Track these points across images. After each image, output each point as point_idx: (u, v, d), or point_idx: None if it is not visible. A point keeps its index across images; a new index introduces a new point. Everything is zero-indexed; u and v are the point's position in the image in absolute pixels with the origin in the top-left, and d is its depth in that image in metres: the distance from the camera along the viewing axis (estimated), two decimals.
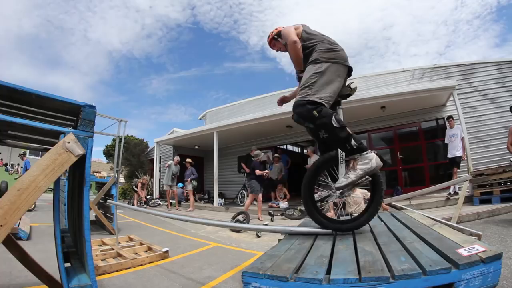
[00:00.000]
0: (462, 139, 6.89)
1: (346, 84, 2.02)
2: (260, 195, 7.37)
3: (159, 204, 11.37)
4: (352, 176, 1.66)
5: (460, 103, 7.45)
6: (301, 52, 2.02)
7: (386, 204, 6.03)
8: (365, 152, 1.67)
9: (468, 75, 8.92)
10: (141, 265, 3.63)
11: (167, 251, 4.09)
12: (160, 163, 12.52)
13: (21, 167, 10.79)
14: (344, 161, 1.81)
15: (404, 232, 1.75)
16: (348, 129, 1.68)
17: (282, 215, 7.45)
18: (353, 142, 1.65)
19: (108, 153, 21.46)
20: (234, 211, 7.85)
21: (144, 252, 4.22)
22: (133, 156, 18.63)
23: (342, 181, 1.70)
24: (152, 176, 14.30)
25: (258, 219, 7.26)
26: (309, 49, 1.99)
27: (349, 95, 2.05)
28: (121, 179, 17.96)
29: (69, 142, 1.68)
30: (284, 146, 13.74)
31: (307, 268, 1.28)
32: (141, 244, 4.53)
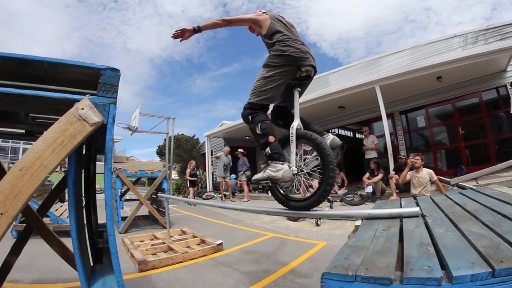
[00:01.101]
0: None
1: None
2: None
3: (213, 196, 11.34)
4: (260, 175, 1.93)
5: None
6: (235, 22, 2.10)
7: (452, 185, 5.12)
8: (275, 162, 1.84)
9: None
10: (193, 259, 3.40)
11: (221, 244, 3.82)
12: (212, 155, 12.52)
13: None
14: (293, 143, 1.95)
15: (507, 208, 1.36)
16: (270, 137, 1.88)
17: (341, 201, 6.98)
18: (267, 150, 1.87)
19: (161, 152, 22.24)
20: None
21: (197, 245, 3.99)
22: (185, 152, 19.07)
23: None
24: (204, 170, 14.39)
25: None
26: (270, 46, 2.04)
27: (307, 76, 2.03)
28: (175, 175, 18.48)
29: (82, 109, 1.33)
30: (336, 130, 12.82)
31: (412, 262, 0.89)
32: (194, 237, 4.32)
